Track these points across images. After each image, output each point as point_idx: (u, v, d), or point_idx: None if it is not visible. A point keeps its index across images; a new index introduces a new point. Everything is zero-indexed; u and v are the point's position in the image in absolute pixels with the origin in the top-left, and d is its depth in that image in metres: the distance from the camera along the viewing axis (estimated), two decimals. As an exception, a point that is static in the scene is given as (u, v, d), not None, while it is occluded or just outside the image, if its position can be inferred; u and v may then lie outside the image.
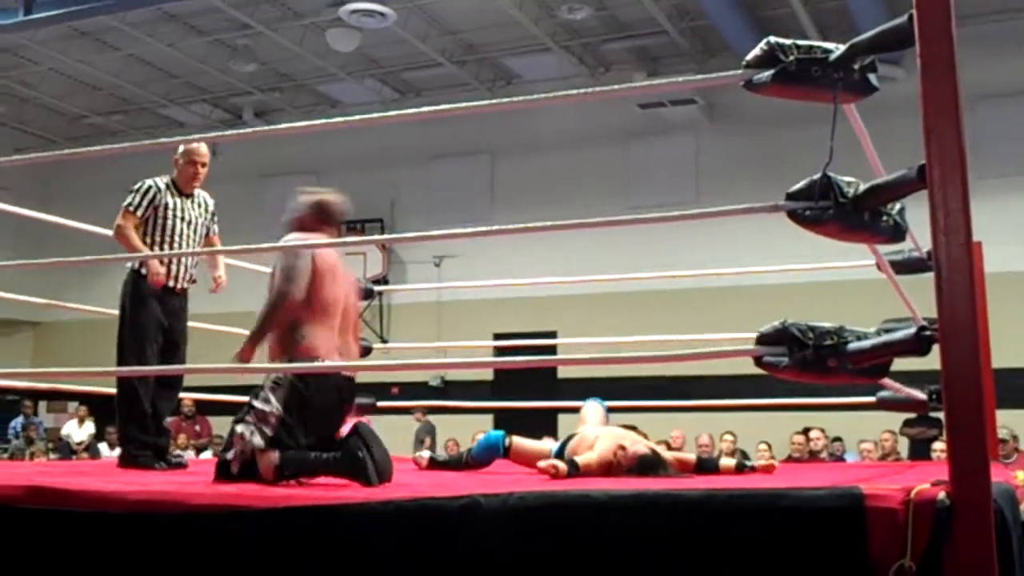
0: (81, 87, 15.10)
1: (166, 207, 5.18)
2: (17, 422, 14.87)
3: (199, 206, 5.38)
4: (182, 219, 5.22)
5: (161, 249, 5.11)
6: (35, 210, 5.91)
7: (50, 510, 2.84)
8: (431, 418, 13.16)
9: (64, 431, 14.35)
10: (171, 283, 5.13)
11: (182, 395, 10.08)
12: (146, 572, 2.71)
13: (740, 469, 4.89)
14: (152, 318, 5.04)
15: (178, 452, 8.69)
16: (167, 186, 5.25)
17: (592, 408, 5.30)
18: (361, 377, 10.00)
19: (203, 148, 5.33)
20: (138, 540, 2.74)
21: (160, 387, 5.16)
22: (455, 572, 2.42)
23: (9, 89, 15.09)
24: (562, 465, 4.21)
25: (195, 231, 5.28)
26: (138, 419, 5.00)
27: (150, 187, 5.19)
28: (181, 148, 5.28)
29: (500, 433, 4.99)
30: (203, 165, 5.35)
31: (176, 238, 5.17)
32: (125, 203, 5.15)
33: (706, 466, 4.86)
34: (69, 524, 2.82)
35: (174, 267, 5.15)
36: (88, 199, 15.65)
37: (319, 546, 2.55)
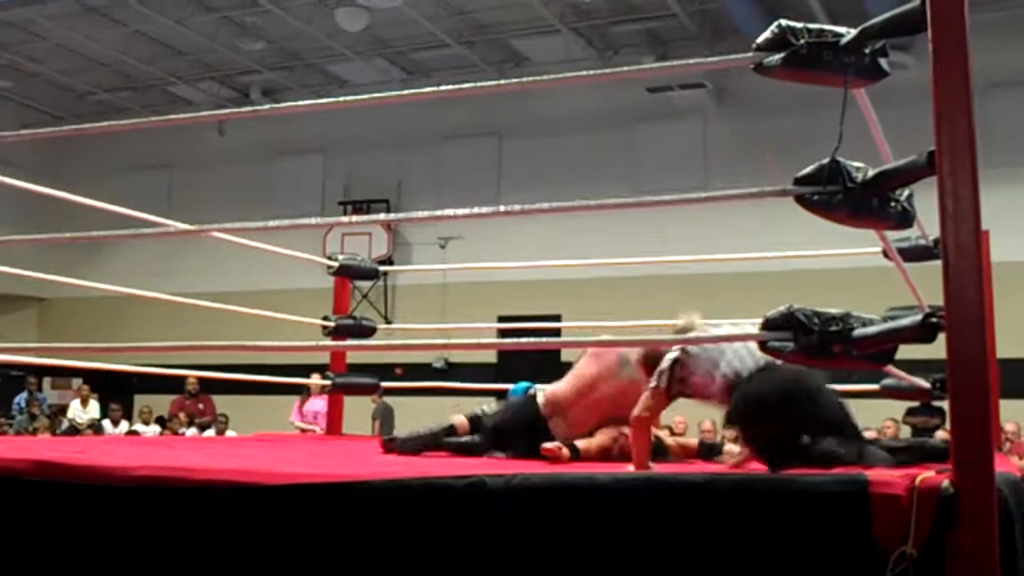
0: (89, 63, 15.08)
1: None
2: (21, 398, 14.92)
3: None
4: None
5: None
6: (42, 186, 5.89)
7: (57, 483, 2.86)
8: (440, 399, 13.18)
9: (70, 414, 14.37)
10: None
11: (186, 372, 10.11)
12: (154, 546, 2.72)
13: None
14: None
15: (181, 430, 8.71)
16: None
17: None
18: (364, 357, 10.02)
19: None
20: (143, 514, 2.75)
21: None
22: (459, 551, 2.42)
23: (16, 64, 15.08)
24: (566, 450, 4.21)
25: None
26: None
27: None
28: None
29: None
30: None
31: None
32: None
33: (709, 451, 4.86)
34: (76, 497, 2.83)
35: None
36: (95, 176, 15.72)
37: (323, 523, 2.55)
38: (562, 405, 4.47)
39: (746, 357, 3.41)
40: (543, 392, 4.57)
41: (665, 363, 3.64)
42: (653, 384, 3.67)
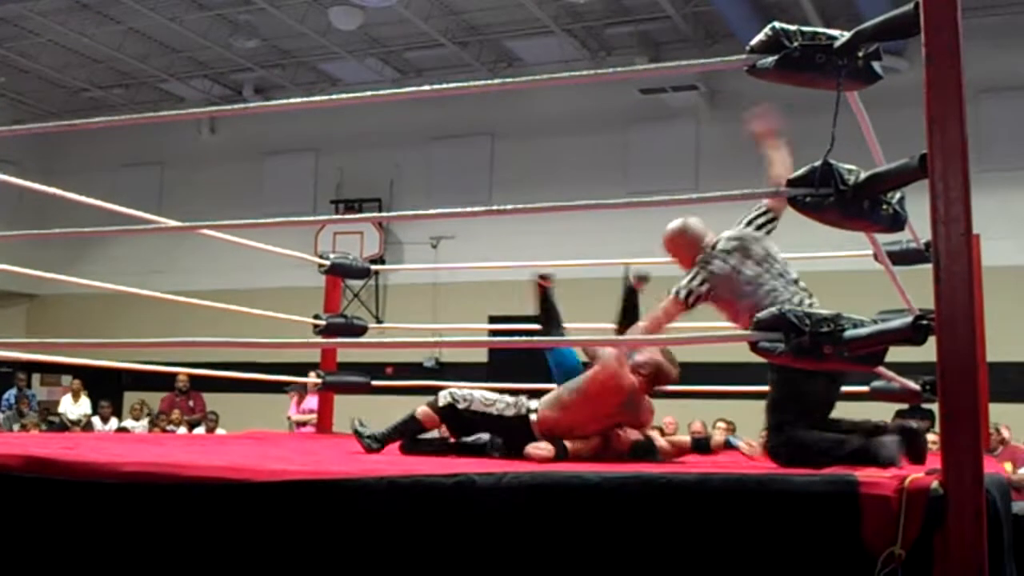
0: (81, 60, 15.02)
1: None
2: (11, 394, 14.86)
3: None
4: None
5: None
6: (34, 182, 5.86)
7: (47, 479, 2.85)
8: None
9: (60, 408, 14.32)
10: None
11: (176, 369, 10.10)
12: (143, 542, 2.72)
13: (729, 445, 4.86)
14: None
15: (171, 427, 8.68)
16: None
17: None
18: (355, 356, 9.98)
19: None
20: (133, 510, 2.74)
21: None
22: (448, 549, 2.42)
23: (9, 60, 15.01)
24: (551, 449, 4.19)
25: None
26: None
27: None
28: None
29: None
30: None
31: None
32: None
33: (700, 445, 4.85)
34: (65, 493, 2.82)
35: None
36: (87, 172, 15.67)
37: (313, 520, 2.55)
38: (555, 430, 4.40)
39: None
40: (535, 412, 4.46)
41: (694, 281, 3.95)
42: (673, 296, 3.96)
